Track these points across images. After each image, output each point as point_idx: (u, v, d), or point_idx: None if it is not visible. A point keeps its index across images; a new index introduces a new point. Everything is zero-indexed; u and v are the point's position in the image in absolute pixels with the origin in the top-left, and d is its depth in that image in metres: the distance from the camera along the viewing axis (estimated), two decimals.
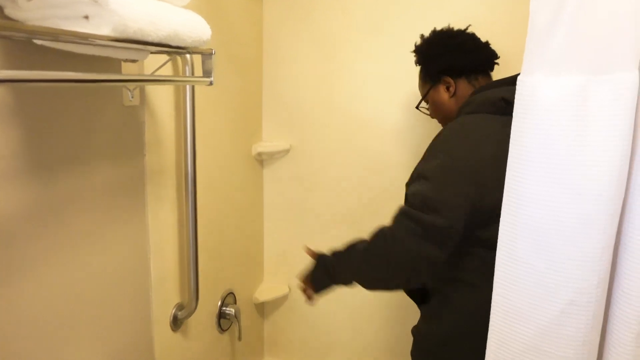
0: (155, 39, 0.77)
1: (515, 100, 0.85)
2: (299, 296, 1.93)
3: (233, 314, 1.57)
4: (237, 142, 1.63)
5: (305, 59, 1.75)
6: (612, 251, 0.80)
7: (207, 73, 0.98)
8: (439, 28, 1.28)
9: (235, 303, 1.66)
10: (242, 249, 1.74)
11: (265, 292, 1.89)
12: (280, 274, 1.95)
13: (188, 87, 1.15)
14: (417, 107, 1.34)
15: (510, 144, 0.86)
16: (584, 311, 0.81)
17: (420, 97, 1.32)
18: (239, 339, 1.61)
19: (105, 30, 0.68)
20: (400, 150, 1.69)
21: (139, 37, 0.73)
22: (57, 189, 0.88)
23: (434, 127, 1.61)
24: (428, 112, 1.33)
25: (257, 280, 1.91)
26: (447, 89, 1.22)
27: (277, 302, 1.96)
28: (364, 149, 1.74)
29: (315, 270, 1.18)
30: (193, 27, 0.85)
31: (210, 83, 0.98)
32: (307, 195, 1.84)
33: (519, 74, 1.04)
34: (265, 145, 1.78)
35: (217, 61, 1.36)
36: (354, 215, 1.79)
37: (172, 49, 0.91)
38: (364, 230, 1.76)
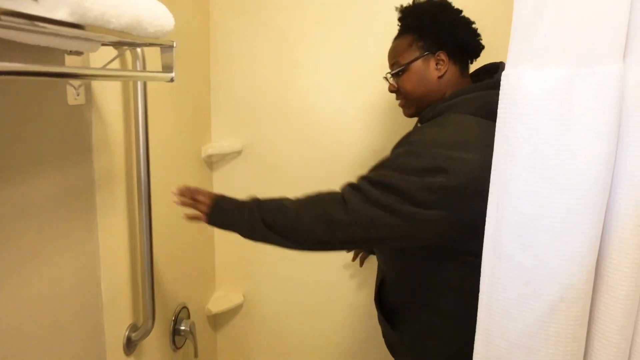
0: (117, 27, 0.66)
1: (500, 94, 0.83)
2: (254, 304, 1.84)
3: (188, 329, 1.46)
4: (186, 144, 1.52)
5: (256, 52, 1.66)
6: (599, 246, 0.81)
7: (167, 68, 0.87)
8: None
9: (189, 317, 1.55)
10: (193, 259, 1.62)
11: (218, 302, 1.79)
12: (234, 282, 1.85)
13: (140, 85, 1.04)
14: (391, 74, 1.15)
15: (495, 139, 0.85)
16: (573, 307, 0.81)
17: (387, 66, 1.17)
18: (195, 355, 1.50)
19: (60, 13, 0.58)
20: (360, 148, 1.65)
21: (99, 23, 0.63)
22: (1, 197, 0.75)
23: (394, 124, 1.61)
24: (394, 83, 1.16)
25: (209, 291, 1.80)
26: (437, 66, 1.09)
27: (231, 313, 1.86)
28: (321, 148, 1.68)
29: (224, 200, 1.06)
30: (157, 15, 0.75)
31: (172, 79, 0.88)
32: None
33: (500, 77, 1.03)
34: (216, 146, 1.67)
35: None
36: None
37: (128, 40, 0.80)
38: None
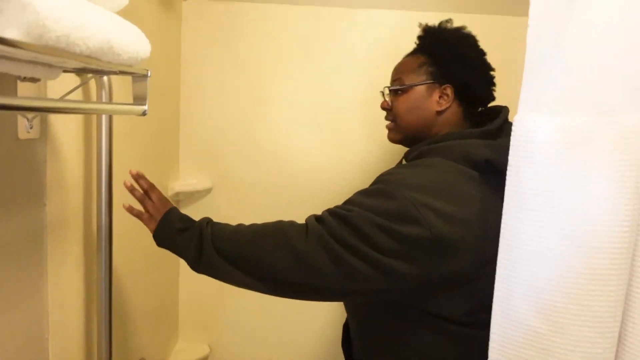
0: (84, 51, 0.55)
1: (512, 142, 0.76)
2: (220, 355, 1.68)
3: None
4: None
5: (227, 86, 1.57)
6: (623, 311, 0.73)
7: (139, 100, 0.76)
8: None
9: None
10: (155, 307, 1.46)
11: (181, 354, 1.62)
12: (199, 331, 1.69)
13: (104, 118, 0.92)
14: (390, 90, 1.07)
15: (505, 191, 0.77)
16: None
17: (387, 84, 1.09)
18: None
19: (13, 32, 0.46)
20: (332, 183, 1.58)
21: (63, 46, 0.52)
22: None
23: (367, 163, 1.55)
24: (389, 101, 1.08)
25: (171, 342, 1.63)
26: (440, 100, 0.99)
27: None
28: (294, 184, 1.59)
29: (175, 214, 0.95)
30: (131, 40, 0.64)
31: (144, 112, 0.77)
32: None
33: (500, 124, 0.97)
34: (185, 184, 1.55)
35: (126, 86, 1.13)
36: None
37: (94, 67, 0.69)
38: None
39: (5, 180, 0.76)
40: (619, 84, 0.70)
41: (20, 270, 0.80)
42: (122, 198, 1.02)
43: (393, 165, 1.08)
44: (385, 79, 1.12)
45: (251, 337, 1.67)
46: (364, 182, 1.00)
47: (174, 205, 1.01)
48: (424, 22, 1.08)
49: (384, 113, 1.10)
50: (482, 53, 1.02)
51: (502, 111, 0.98)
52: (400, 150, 1.11)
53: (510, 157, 0.76)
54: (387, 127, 1.09)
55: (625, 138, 0.70)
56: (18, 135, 0.77)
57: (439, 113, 0.99)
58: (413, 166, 0.93)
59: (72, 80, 0.86)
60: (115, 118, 1.06)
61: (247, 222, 1.59)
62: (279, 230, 0.89)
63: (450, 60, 0.99)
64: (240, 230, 0.93)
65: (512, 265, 0.76)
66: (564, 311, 0.73)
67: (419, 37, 1.06)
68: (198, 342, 1.68)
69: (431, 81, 0.99)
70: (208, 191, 1.59)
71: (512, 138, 0.76)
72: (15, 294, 0.79)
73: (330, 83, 1.56)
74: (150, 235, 0.96)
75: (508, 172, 0.77)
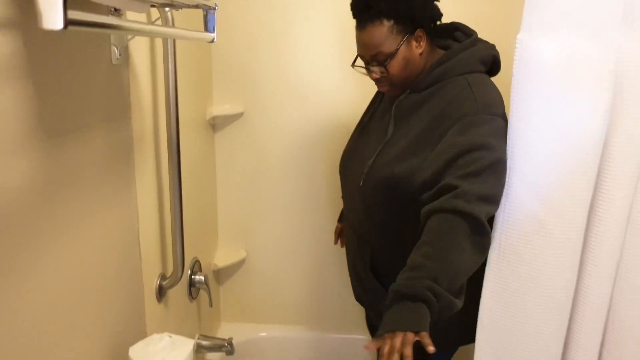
0: None
1: (515, 58, 0.93)
2: (254, 260, 1.94)
3: (203, 281, 1.55)
4: (194, 105, 1.56)
5: (255, 17, 1.70)
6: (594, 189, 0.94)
7: (210, 29, 0.93)
8: None
9: (201, 270, 1.63)
10: (200, 217, 1.69)
11: (222, 258, 1.87)
12: (235, 239, 1.94)
13: (170, 45, 1.08)
14: (379, 65, 1.11)
15: (511, 97, 0.95)
16: (578, 243, 0.95)
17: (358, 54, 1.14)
18: (210, 305, 1.59)
19: None
20: (352, 108, 1.73)
21: None
22: (60, 159, 0.79)
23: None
24: (377, 72, 1.13)
25: (213, 247, 1.88)
26: (418, 44, 1.10)
27: (233, 268, 1.95)
28: (316, 111, 1.77)
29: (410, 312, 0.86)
30: None
31: (213, 40, 0.94)
32: (259, 159, 1.83)
33: (474, 39, 1.13)
34: (220, 108, 1.72)
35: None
36: (308, 180, 1.83)
37: (176, 2, 0.85)
38: (318, 194, 1.77)
39: (105, 100, 0.94)
40: (601, 7, 0.87)
41: (117, 174, 1.00)
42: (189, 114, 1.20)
43: None
44: None
45: (282, 245, 1.92)
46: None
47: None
48: None
49: None
50: None
51: (459, 26, 1.17)
52: None
53: (514, 68, 0.94)
54: (384, 90, 1.17)
55: (604, 56, 0.88)
56: (112, 61, 0.95)
57: (421, 54, 1.11)
58: (464, 90, 1.06)
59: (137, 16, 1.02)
60: (161, 51, 1.23)
61: (275, 141, 1.82)
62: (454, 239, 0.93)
63: (408, 9, 1.06)
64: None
65: (513, 155, 0.96)
66: (557, 195, 0.93)
67: (368, 6, 1.07)
68: (235, 248, 1.93)
69: (406, 36, 1.08)
70: (240, 116, 1.77)
71: (515, 53, 0.93)
72: (114, 193, 1.00)
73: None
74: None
75: (513, 81, 0.95)
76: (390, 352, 0.81)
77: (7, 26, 0.64)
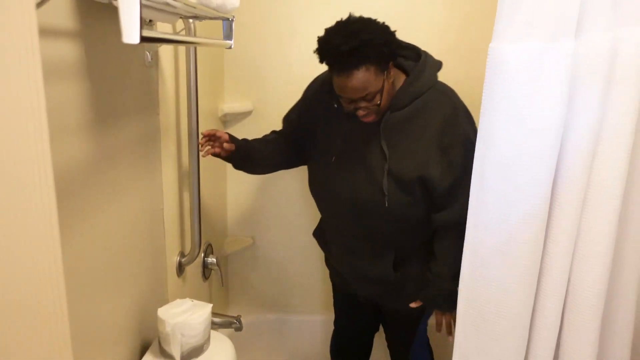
0: (214, 5, 0.89)
1: (487, 64, 1.10)
2: (261, 246, 2.10)
3: (215, 263, 1.71)
4: (207, 103, 1.73)
5: (263, 21, 1.87)
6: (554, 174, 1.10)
7: (228, 36, 1.10)
8: (341, 19, 1.26)
9: (213, 253, 1.79)
10: (211, 204, 1.86)
11: (231, 244, 2.04)
12: (243, 228, 2.10)
13: (192, 50, 1.25)
14: (370, 103, 1.23)
15: (483, 96, 1.11)
16: (539, 220, 1.11)
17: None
18: (222, 284, 1.76)
19: None
20: None
21: (204, 1, 0.85)
22: (103, 143, 0.96)
23: None
24: (367, 107, 1.24)
25: (222, 234, 2.04)
26: (390, 75, 1.24)
27: (240, 254, 2.12)
28: None
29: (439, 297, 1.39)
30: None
31: (230, 46, 1.11)
32: None
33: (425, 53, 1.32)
34: (232, 106, 1.89)
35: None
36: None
37: (202, 14, 1.02)
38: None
39: (139, 96, 1.10)
40: (563, 13, 1.03)
41: (147, 159, 1.17)
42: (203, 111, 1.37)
43: None
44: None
45: (288, 230, 2.08)
46: None
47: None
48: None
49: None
50: (383, 24, 1.22)
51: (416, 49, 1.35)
52: None
53: (486, 73, 1.10)
54: (365, 118, 1.28)
55: (560, 60, 1.03)
56: (145, 63, 1.12)
57: (393, 80, 1.27)
58: (445, 103, 1.31)
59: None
60: (181, 51, 1.39)
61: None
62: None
63: (382, 52, 1.18)
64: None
65: (486, 147, 1.13)
66: (520, 176, 1.09)
67: (352, 52, 1.15)
68: (243, 236, 2.09)
69: (385, 72, 1.21)
70: (249, 113, 1.94)
71: (488, 60, 1.10)
72: (145, 173, 1.16)
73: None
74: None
75: (485, 84, 1.10)
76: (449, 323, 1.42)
77: (75, 36, 0.80)
